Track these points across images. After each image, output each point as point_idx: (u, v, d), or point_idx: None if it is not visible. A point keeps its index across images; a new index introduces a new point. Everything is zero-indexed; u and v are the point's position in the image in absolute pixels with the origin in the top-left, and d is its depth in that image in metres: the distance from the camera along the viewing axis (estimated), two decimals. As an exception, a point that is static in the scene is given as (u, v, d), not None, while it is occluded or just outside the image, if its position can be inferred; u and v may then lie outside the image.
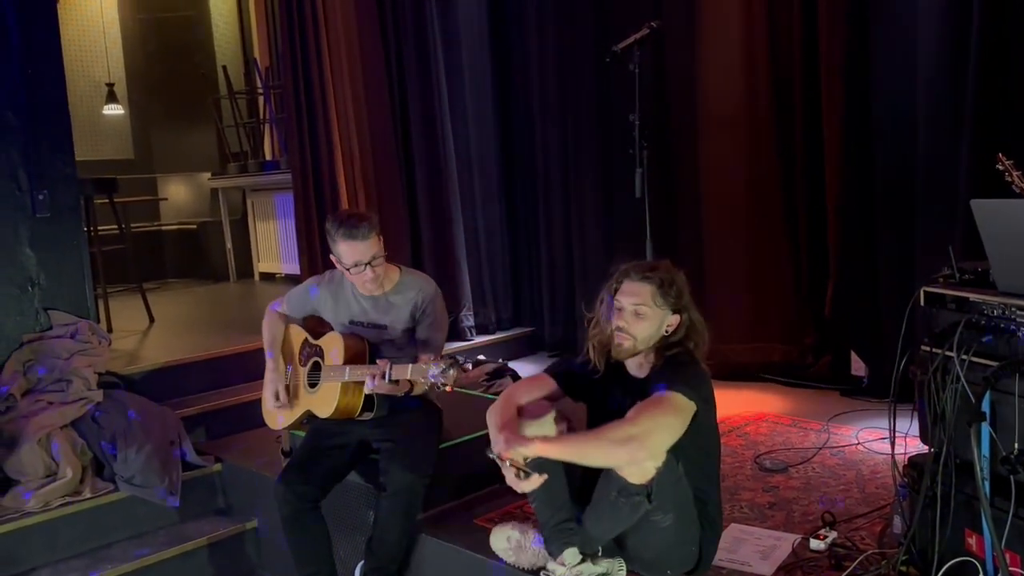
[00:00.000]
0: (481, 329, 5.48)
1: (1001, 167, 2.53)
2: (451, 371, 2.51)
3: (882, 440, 3.43)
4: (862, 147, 4.03)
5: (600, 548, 2.31)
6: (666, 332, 2.34)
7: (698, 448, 2.23)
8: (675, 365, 2.30)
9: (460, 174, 5.40)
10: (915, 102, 3.79)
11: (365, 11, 5.12)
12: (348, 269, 2.84)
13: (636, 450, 2.07)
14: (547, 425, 2.34)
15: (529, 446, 2.16)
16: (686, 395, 2.17)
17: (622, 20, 4.75)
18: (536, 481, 2.18)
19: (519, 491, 2.21)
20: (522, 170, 5.69)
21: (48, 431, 3.43)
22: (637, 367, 2.39)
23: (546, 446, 2.17)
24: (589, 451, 2.13)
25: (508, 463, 2.16)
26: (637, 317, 2.31)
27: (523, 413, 2.36)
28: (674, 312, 2.33)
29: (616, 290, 2.36)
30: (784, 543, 2.62)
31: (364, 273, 2.82)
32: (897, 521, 2.56)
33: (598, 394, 2.45)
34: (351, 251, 2.79)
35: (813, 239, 4.33)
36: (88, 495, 3.39)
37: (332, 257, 2.88)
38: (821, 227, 4.27)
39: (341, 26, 5.02)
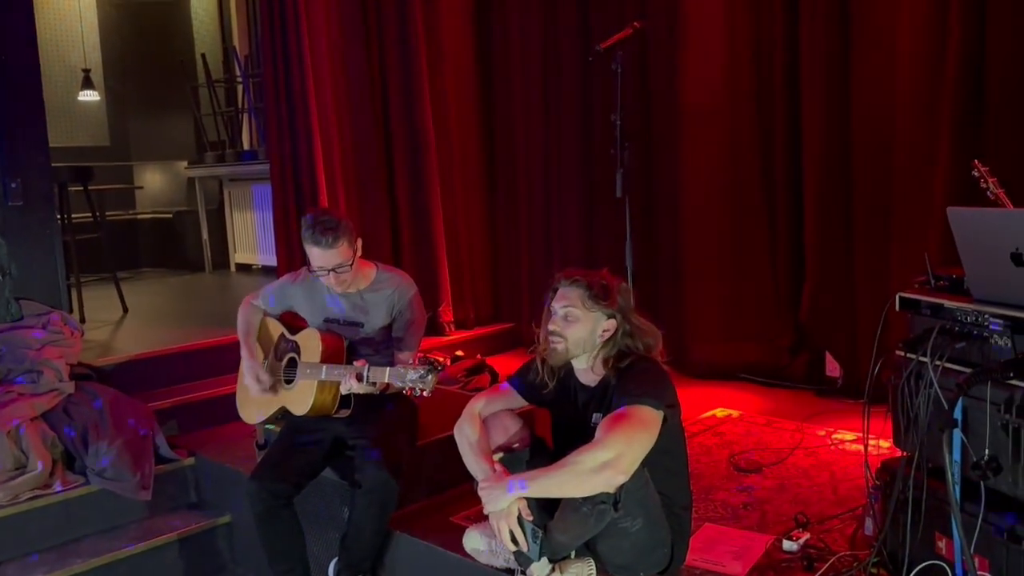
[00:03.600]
0: (460, 325, 5.46)
1: (976, 174, 2.56)
2: (430, 376, 2.51)
3: (856, 442, 3.46)
4: (841, 151, 4.06)
5: (573, 552, 2.31)
6: (602, 337, 2.34)
7: (663, 451, 2.23)
8: (633, 373, 2.29)
9: (441, 169, 5.37)
10: (893, 107, 3.82)
11: (346, 2, 5.08)
12: (313, 268, 2.85)
13: (612, 476, 2.07)
14: (511, 433, 2.40)
15: (509, 495, 2.18)
16: (653, 406, 2.17)
17: (606, 20, 4.77)
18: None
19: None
20: (504, 166, 5.67)
21: (18, 423, 3.37)
22: (586, 375, 2.40)
23: (523, 490, 2.18)
24: (566, 486, 2.12)
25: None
26: (567, 320, 2.32)
27: (489, 427, 2.42)
28: (608, 317, 2.33)
29: (552, 297, 2.38)
30: (757, 544, 2.64)
31: (327, 277, 2.83)
32: (869, 523, 2.59)
33: (558, 402, 2.46)
34: (315, 256, 2.81)
35: (791, 241, 4.36)
36: (58, 488, 3.34)
37: None
38: (799, 229, 4.30)
39: (322, 16, 4.97)
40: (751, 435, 3.70)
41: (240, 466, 3.38)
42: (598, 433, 2.14)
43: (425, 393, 2.54)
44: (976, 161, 2.59)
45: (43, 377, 3.56)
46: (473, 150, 5.64)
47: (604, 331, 2.33)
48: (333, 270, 2.81)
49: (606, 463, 2.06)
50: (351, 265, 2.84)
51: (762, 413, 4.01)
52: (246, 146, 7.53)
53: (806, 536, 2.62)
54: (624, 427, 2.12)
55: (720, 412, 4.05)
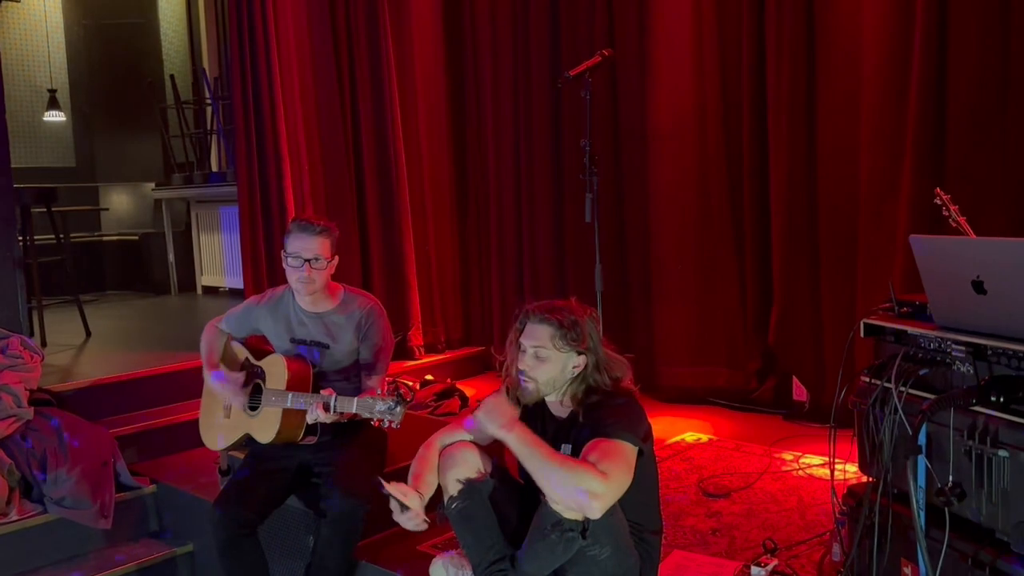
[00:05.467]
0: (430, 349, 5.44)
1: (939, 201, 2.61)
2: (398, 408, 2.48)
3: (823, 467, 3.48)
4: (807, 178, 4.11)
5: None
6: (572, 374, 2.29)
7: (634, 480, 2.19)
8: (611, 408, 2.25)
9: (412, 193, 5.37)
10: (858, 135, 3.89)
11: (317, 26, 5.08)
12: (288, 257, 2.84)
13: (588, 506, 2.02)
14: (471, 464, 2.34)
15: (502, 432, 2.12)
16: (631, 442, 2.15)
17: (576, 47, 4.82)
18: (413, 519, 2.20)
19: (402, 525, 2.22)
20: (475, 190, 5.69)
21: (-27, 450, 3.29)
22: (556, 406, 2.37)
23: (523, 435, 2.12)
24: (551, 474, 2.06)
25: (391, 491, 2.18)
26: (538, 360, 2.26)
27: (452, 458, 2.35)
28: (579, 355, 2.28)
29: (520, 331, 2.32)
30: (726, 570, 2.64)
31: (300, 269, 2.81)
32: (837, 549, 2.60)
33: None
34: (296, 240, 2.82)
35: (759, 267, 4.40)
36: (15, 517, 3.25)
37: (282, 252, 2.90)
38: (766, 255, 4.34)
39: (292, 38, 4.96)
40: (720, 460, 3.71)
41: (203, 494, 3.33)
42: (595, 457, 2.08)
43: (394, 425, 2.52)
44: (938, 189, 2.64)
45: (1, 403, 3.47)
46: (444, 173, 5.65)
47: (574, 367, 2.30)
48: (308, 260, 2.80)
49: (593, 493, 2.02)
50: (324, 268, 2.84)
51: (731, 437, 4.02)
52: (214, 168, 7.46)
53: (774, 562, 2.62)
54: (620, 467, 2.08)
55: (690, 437, 4.05)
